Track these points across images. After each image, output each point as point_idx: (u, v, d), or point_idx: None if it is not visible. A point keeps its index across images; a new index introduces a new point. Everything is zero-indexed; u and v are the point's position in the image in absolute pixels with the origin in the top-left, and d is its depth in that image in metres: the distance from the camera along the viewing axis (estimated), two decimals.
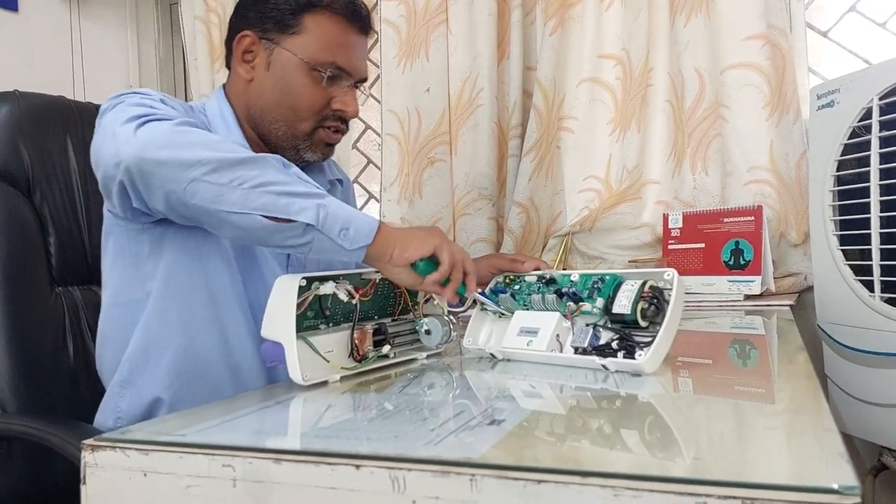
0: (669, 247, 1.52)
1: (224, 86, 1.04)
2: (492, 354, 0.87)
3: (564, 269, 1.72)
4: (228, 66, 1.04)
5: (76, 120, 1.13)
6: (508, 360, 0.85)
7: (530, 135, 1.67)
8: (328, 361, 0.75)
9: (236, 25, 1.01)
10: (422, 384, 0.73)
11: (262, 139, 1.01)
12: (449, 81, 1.76)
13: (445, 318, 0.89)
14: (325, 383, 0.74)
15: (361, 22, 1.01)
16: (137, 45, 2.25)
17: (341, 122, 1.02)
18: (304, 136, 0.99)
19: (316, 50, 0.97)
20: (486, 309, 0.91)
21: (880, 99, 1.09)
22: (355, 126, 2.06)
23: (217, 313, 0.91)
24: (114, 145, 0.76)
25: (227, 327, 0.92)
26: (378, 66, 1.84)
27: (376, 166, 2.06)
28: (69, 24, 2.02)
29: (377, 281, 0.83)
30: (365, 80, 1.04)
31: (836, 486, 0.36)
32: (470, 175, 1.74)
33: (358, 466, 0.44)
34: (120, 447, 0.52)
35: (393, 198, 1.82)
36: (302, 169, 1.08)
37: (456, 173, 1.75)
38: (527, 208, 1.69)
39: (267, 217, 0.73)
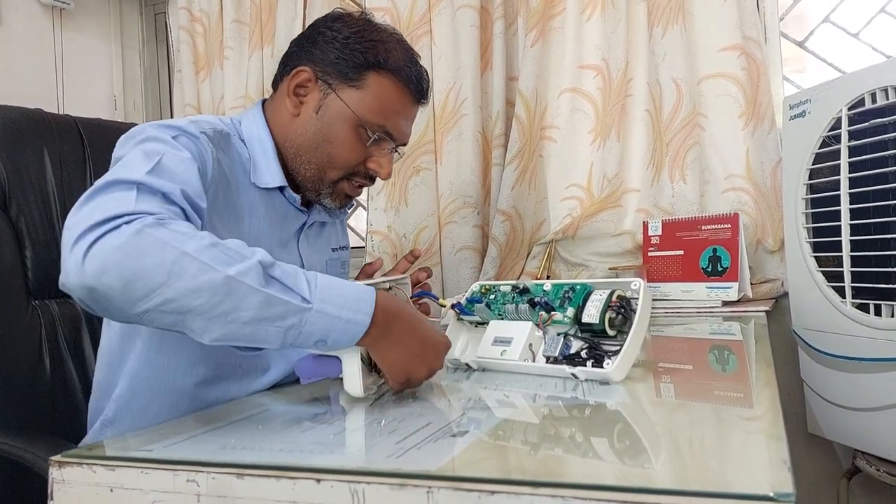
0: (649, 254, 1.53)
1: (264, 105, 1.02)
2: (467, 364, 0.88)
3: (548, 277, 1.74)
4: (275, 86, 1.02)
5: (53, 133, 1.13)
6: (484, 370, 0.87)
7: (513, 144, 1.69)
8: (378, 374, 0.74)
9: (296, 56, 0.99)
10: (397, 395, 0.74)
11: (288, 171, 0.99)
12: (433, 91, 1.78)
13: None
14: (297, 396, 0.75)
15: (422, 93, 1.00)
16: (122, 56, 2.25)
17: (369, 180, 1.02)
18: (329, 183, 0.98)
19: (371, 110, 0.95)
20: (462, 318, 0.93)
21: (849, 109, 1.11)
22: None
23: (210, 372, 0.91)
24: (65, 267, 0.64)
25: (222, 377, 0.91)
26: None
27: None
28: (52, 34, 2.03)
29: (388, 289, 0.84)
30: (405, 144, 1.03)
31: (771, 494, 0.38)
32: (455, 183, 1.76)
33: (318, 480, 0.45)
34: (87, 463, 0.53)
35: (380, 206, 1.83)
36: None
37: (441, 182, 1.77)
38: (511, 216, 1.70)
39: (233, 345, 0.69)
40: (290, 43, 1.02)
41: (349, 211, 1.21)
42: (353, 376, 0.71)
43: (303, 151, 0.97)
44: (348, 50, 0.95)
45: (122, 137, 0.82)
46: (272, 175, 0.96)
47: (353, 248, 2.11)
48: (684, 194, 1.57)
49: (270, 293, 0.64)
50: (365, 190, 1.94)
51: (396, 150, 1.02)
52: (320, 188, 0.99)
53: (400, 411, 0.67)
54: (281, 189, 0.98)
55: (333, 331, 0.67)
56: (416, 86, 0.98)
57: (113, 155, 0.80)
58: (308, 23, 1.93)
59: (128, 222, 0.63)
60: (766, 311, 1.32)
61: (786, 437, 0.50)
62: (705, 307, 1.39)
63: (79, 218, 0.65)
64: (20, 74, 1.93)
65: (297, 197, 1.00)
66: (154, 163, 0.74)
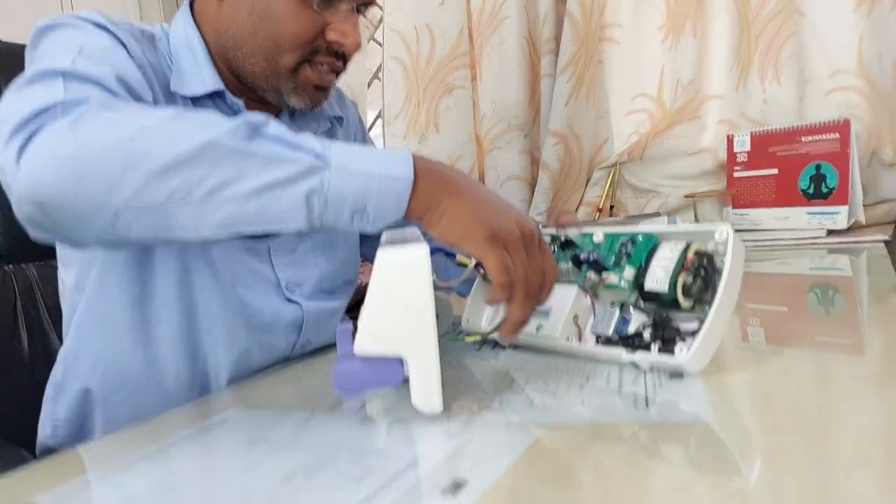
0: (735, 175, 1.33)
1: (191, 3, 0.83)
2: (494, 341, 0.69)
3: (612, 207, 1.51)
4: None
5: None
6: (516, 348, 0.68)
7: (565, 49, 1.44)
8: None
9: None
10: (386, 403, 0.56)
11: (237, 77, 0.80)
12: None
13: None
14: (271, 395, 0.58)
15: None
16: None
17: (336, 59, 0.79)
18: (287, 73, 0.77)
19: None
20: (488, 279, 0.73)
21: None
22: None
23: (143, 315, 0.76)
24: (3, 183, 0.54)
25: (153, 332, 0.77)
26: None
27: None
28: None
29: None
30: (371, 2, 0.80)
31: None
32: (497, 103, 1.53)
33: None
34: None
35: (398, 132, 1.60)
36: (291, 112, 0.87)
37: (481, 101, 1.55)
38: (565, 137, 1.47)
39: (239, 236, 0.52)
40: None
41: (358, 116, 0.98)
42: (429, 383, 0.47)
43: (242, 42, 0.77)
44: None
45: (32, 35, 0.68)
46: (202, 80, 0.77)
47: None
48: (778, 99, 1.31)
49: (270, 151, 0.51)
50: (379, 116, 1.73)
51: (360, 12, 0.79)
52: (279, 83, 0.78)
53: (379, 434, 0.49)
54: (217, 96, 0.78)
55: (370, 193, 0.51)
56: None
57: (26, 57, 0.67)
58: None
59: (63, 111, 0.52)
60: (885, 241, 1.10)
61: None
62: (806, 237, 1.19)
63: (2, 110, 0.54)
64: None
65: (240, 101, 0.79)
66: (77, 50, 0.62)
